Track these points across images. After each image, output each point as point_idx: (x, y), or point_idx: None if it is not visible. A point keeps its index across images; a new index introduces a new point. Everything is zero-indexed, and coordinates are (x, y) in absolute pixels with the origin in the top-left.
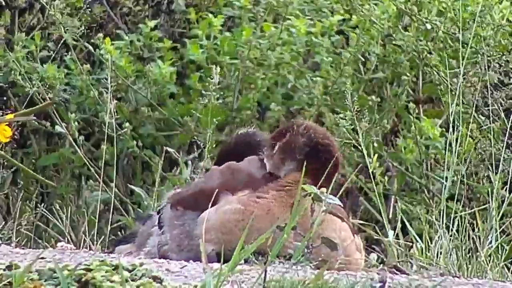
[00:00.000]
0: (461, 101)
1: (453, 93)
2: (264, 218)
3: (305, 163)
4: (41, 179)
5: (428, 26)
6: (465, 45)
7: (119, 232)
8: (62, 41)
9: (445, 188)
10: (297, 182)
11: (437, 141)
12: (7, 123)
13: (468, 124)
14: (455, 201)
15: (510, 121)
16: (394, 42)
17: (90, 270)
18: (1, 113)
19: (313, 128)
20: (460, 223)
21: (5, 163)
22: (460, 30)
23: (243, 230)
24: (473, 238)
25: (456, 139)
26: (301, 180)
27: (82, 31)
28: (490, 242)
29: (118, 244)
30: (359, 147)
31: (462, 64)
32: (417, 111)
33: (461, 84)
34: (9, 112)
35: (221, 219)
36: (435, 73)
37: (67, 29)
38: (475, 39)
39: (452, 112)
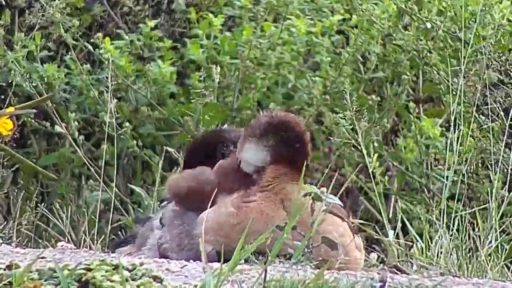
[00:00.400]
0: (462, 101)
1: (454, 92)
2: (259, 220)
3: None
4: (42, 171)
5: (428, 25)
6: (466, 44)
7: (119, 232)
8: (61, 41)
9: (445, 188)
10: (277, 177)
11: (437, 141)
12: (7, 116)
13: (469, 124)
14: (455, 201)
15: (509, 120)
16: (394, 42)
17: (90, 269)
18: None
19: (276, 111)
20: (460, 222)
21: (5, 163)
22: (462, 29)
23: (239, 233)
24: (473, 237)
25: (457, 139)
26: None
27: (82, 30)
28: (490, 242)
29: (118, 246)
30: (359, 146)
31: (463, 63)
32: (417, 110)
33: (462, 83)
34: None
35: (218, 222)
36: (435, 72)
37: (67, 29)
38: (476, 38)
39: (453, 111)
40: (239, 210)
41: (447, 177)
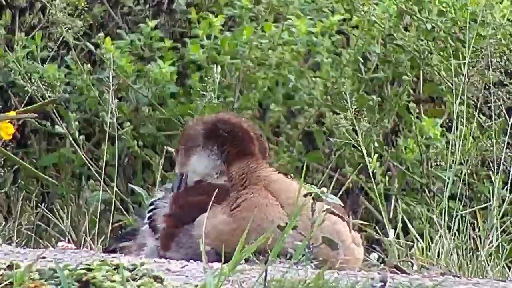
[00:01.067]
0: (465, 100)
1: (455, 92)
2: (256, 215)
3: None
4: (42, 176)
5: (429, 26)
6: (467, 45)
7: (119, 232)
8: (62, 41)
9: (446, 188)
10: (247, 170)
11: (438, 141)
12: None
13: (470, 124)
14: (456, 201)
15: (511, 120)
16: (395, 42)
17: (90, 269)
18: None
19: (201, 117)
20: (461, 222)
21: (7, 163)
22: (467, 29)
23: (240, 236)
24: (473, 237)
25: (459, 138)
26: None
27: (83, 30)
28: (491, 242)
29: (119, 241)
30: (359, 147)
31: (465, 63)
32: (417, 110)
33: (464, 83)
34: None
35: (215, 230)
36: (436, 73)
37: (68, 29)
38: (476, 38)
39: (455, 111)
40: (233, 217)
41: (448, 177)
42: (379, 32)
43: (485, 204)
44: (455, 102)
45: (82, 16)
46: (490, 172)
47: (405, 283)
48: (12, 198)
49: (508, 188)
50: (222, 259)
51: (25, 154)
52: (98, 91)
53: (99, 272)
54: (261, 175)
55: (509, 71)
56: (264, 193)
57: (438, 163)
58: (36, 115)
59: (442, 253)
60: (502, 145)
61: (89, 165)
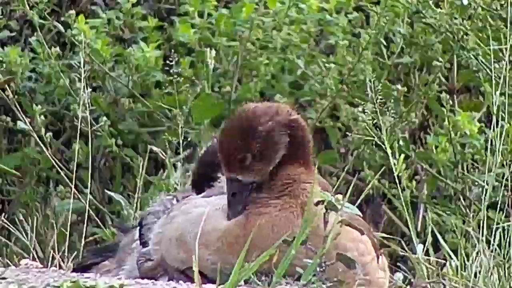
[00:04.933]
0: (506, 91)
1: (496, 81)
2: (270, 235)
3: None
4: (6, 169)
5: (465, 1)
6: (509, 24)
7: (94, 247)
8: (26, 19)
9: (485, 195)
10: (297, 177)
11: (475, 139)
12: None
13: None
14: (496, 210)
15: None
16: (423, 21)
17: None
18: None
19: (260, 109)
20: (502, 236)
21: None
22: (509, 5)
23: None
24: None
25: (499, 136)
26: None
27: (51, 7)
28: None
29: (93, 258)
30: (382, 145)
31: (507, 47)
32: (451, 102)
33: (506, 70)
34: None
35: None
36: (473, 57)
37: (32, 5)
38: None
39: (495, 103)
40: (248, 221)
41: (487, 182)
42: (404, 8)
43: None
44: (495, 93)
45: None
46: None
47: None
48: None
49: None
50: (218, 279)
51: None
52: (69, 79)
53: None
54: (306, 188)
55: None
56: (297, 214)
57: (476, 165)
58: None
59: (480, 273)
60: None
61: (58, 167)
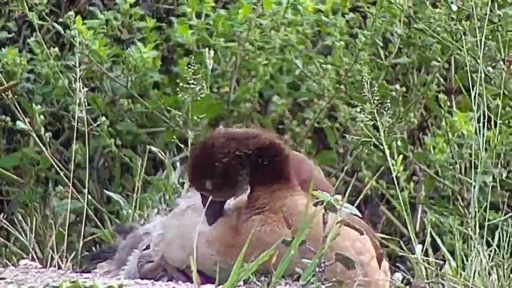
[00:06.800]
0: (502, 91)
1: (491, 82)
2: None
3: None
4: (7, 175)
5: (454, 7)
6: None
7: (93, 248)
8: (25, 20)
9: (483, 196)
10: (274, 195)
11: (472, 139)
12: None
13: (508, 119)
14: (495, 211)
15: None
16: (418, 26)
17: None
18: None
19: (220, 142)
20: (501, 236)
21: None
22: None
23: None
24: None
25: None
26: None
27: (49, 8)
28: None
29: (92, 260)
30: (380, 146)
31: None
32: (449, 103)
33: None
34: None
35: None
36: (472, 58)
37: (31, 6)
38: None
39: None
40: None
41: (485, 182)
42: (400, 10)
43: None
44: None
45: None
46: None
47: None
48: None
49: None
50: (217, 280)
51: None
52: (67, 79)
53: None
54: (286, 204)
55: None
56: (280, 224)
57: (473, 165)
58: None
59: (478, 273)
60: None
61: (57, 167)
